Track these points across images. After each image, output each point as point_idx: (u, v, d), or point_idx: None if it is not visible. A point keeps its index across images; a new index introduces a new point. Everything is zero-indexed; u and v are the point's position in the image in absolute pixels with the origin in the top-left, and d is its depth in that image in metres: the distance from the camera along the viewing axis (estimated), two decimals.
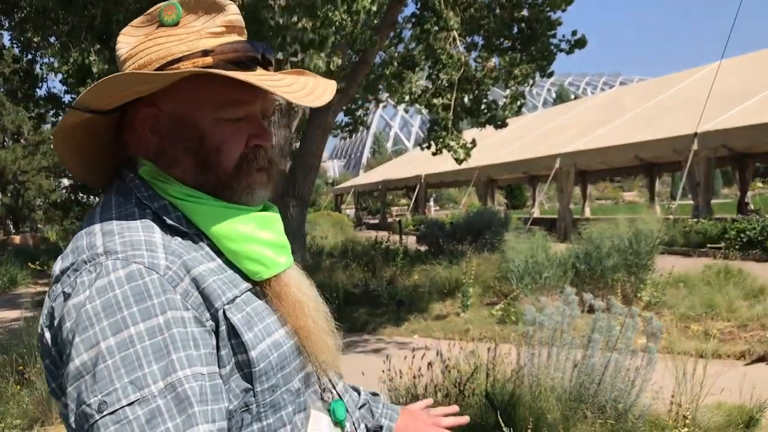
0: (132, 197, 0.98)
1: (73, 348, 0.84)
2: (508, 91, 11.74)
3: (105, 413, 0.80)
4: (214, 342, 0.90)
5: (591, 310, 4.77)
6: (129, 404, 0.80)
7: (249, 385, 0.92)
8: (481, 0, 10.80)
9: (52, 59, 14.87)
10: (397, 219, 24.92)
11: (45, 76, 16.95)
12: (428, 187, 32.45)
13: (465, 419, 1.36)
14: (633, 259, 8.48)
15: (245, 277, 0.98)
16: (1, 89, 29.17)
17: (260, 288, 1.00)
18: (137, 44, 1.00)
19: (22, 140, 32.70)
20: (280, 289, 1.00)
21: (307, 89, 1.02)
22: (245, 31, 1.05)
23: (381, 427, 1.27)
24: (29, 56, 16.97)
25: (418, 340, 7.20)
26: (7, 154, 30.98)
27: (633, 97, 25.33)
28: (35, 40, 13.77)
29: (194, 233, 0.98)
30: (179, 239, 0.96)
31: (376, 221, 33.95)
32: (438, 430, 1.30)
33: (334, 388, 1.09)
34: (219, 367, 0.90)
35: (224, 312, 0.91)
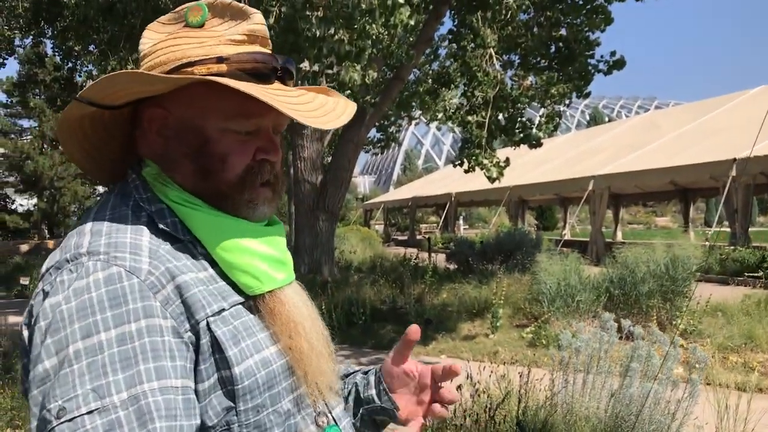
0: (130, 198, 0.96)
1: (42, 349, 0.81)
2: (543, 111, 11.61)
3: (63, 420, 0.76)
4: (192, 355, 0.86)
5: (627, 337, 4.60)
6: (88, 413, 0.76)
7: (232, 404, 0.87)
8: (519, 18, 10.71)
9: (91, 67, 15.14)
10: (426, 236, 24.78)
11: (84, 83, 17.27)
12: (458, 205, 32.27)
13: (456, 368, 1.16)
14: (669, 285, 8.25)
15: (239, 290, 0.94)
16: (42, 96, 29.85)
17: (254, 303, 0.95)
18: (159, 41, 0.98)
19: (60, 147, 33.29)
20: (274, 305, 0.96)
21: (322, 110, 0.99)
22: (269, 42, 1.02)
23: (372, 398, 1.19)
24: (70, 64, 17.31)
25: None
26: (45, 160, 31.58)
27: (669, 121, 24.97)
28: (76, 48, 14.02)
29: (189, 240, 0.94)
30: (170, 245, 0.92)
31: (405, 238, 33.84)
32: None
33: (330, 412, 1.01)
34: (197, 382, 0.85)
35: (208, 324, 0.87)
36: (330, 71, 6.33)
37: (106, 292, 0.83)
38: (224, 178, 0.96)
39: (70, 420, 0.76)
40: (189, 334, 0.86)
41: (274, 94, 0.93)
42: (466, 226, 42.93)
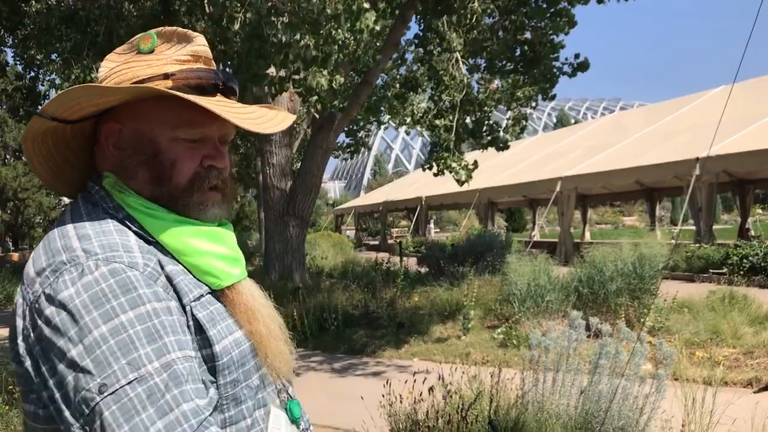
0: (99, 208, 1.05)
1: (64, 341, 0.88)
2: (509, 113, 11.72)
3: (106, 394, 0.85)
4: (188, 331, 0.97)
5: (596, 334, 4.66)
6: (128, 383, 0.85)
7: (212, 378, 0.98)
8: (484, 22, 10.81)
9: (54, 76, 14.89)
10: (398, 240, 24.82)
11: (47, 93, 16.96)
12: (429, 209, 32.38)
13: None
14: (637, 283, 8.37)
15: (203, 283, 1.05)
16: (4, 106, 29.31)
17: (218, 293, 1.06)
18: (114, 68, 1.08)
19: (23, 157, 32.70)
20: (233, 297, 1.06)
21: (263, 118, 1.10)
22: (212, 61, 1.13)
23: None
24: (32, 73, 16.99)
25: (419, 363, 7.08)
26: (8, 171, 30.96)
27: (634, 122, 25.36)
28: (38, 57, 13.78)
29: (155, 242, 1.04)
30: (149, 245, 1.02)
31: (377, 242, 33.85)
32: None
33: (288, 390, 1.15)
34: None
35: (191, 308, 0.99)
36: (297, 77, 6.32)
37: (115, 282, 0.92)
38: (175, 183, 1.06)
39: (112, 393, 0.85)
40: (183, 315, 0.97)
41: (216, 104, 1.03)
42: (437, 230, 43.10)
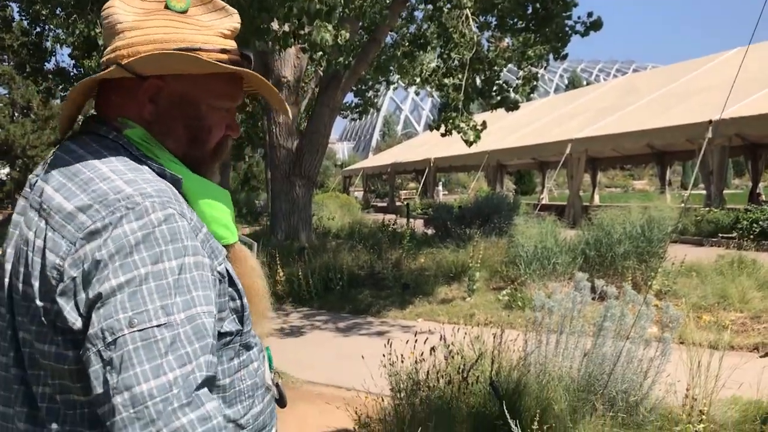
0: (124, 153, 1.06)
1: (110, 271, 0.92)
2: (520, 73, 11.51)
3: (135, 329, 0.89)
4: (218, 290, 1.03)
5: (602, 297, 4.60)
6: (158, 326, 0.90)
7: (240, 327, 1.07)
8: None
9: (59, 31, 14.72)
10: (406, 202, 24.76)
11: (53, 49, 16.79)
12: (437, 171, 32.20)
13: None
14: (645, 246, 8.28)
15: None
16: (11, 63, 29.13)
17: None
18: (142, 19, 1.08)
19: (31, 114, 32.62)
20: (238, 255, 1.15)
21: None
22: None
23: None
24: (38, 29, 16.81)
25: (423, 324, 7.06)
26: (16, 129, 30.94)
27: (647, 84, 24.96)
28: (43, 12, 13.60)
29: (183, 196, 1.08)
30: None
31: (384, 204, 33.79)
32: None
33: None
34: (219, 310, 1.02)
35: (225, 263, 1.07)
36: (301, 32, 6.17)
37: (167, 228, 0.96)
38: (207, 147, 1.15)
39: (141, 330, 0.89)
40: (216, 271, 1.03)
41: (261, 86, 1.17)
42: (445, 192, 42.96)
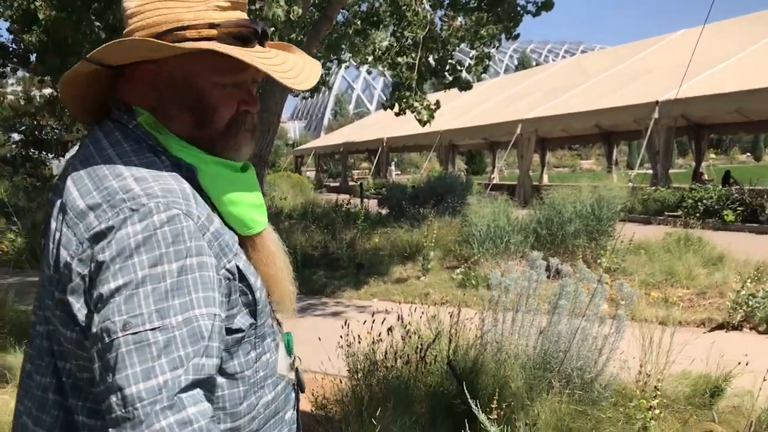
0: (143, 144, 1.07)
1: (110, 274, 0.93)
2: (472, 53, 11.48)
3: (129, 332, 0.90)
4: (225, 289, 1.02)
5: (554, 276, 4.64)
6: (152, 329, 0.91)
7: (253, 321, 1.08)
8: None
9: None
10: (359, 182, 24.69)
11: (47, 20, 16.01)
12: (390, 150, 32.20)
13: None
14: (594, 225, 8.44)
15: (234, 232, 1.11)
16: None
17: (241, 240, 1.11)
18: (145, 2, 1.07)
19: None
20: (259, 242, 1.14)
21: (296, 70, 1.14)
22: (246, 6, 1.14)
23: None
24: None
25: (378, 304, 7.05)
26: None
27: (594, 65, 25.34)
28: None
29: (197, 187, 1.07)
30: (196, 194, 1.05)
31: (337, 184, 33.66)
32: None
33: (281, 324, 1.24)
34: (230, 308, 1.04)
35: (235, 261, 1.05)
36: (252, 7, 6.02)
37: (170, 230, 0.96)
38: (215, 127, 1.11)
39: (134, 333, 0.90)
40: (224, 270, 1.02)
41: (257, 56, 1.07)
42: (398, 172, 42.99)
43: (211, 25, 1.06)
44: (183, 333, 0.92)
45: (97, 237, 0.97)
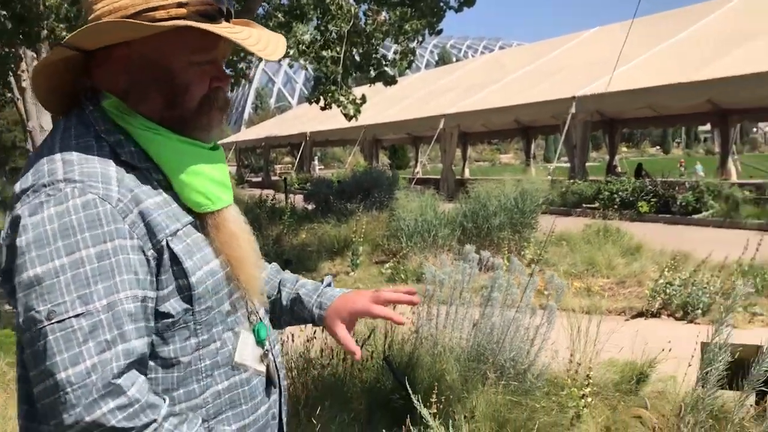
0: (91, 130, 1.07)
1: (27, 260, 0.95)
2: (396, 47, 11.52)
3: (53, 321, 0.92)
4: (154, 269, 1.02)
5: (486, 268, 4.71)
6: (75, 316, 0.92)
7: (189, 306, 1.05)
8: None
9: None
10: (282, 177, 24.41)
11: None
12: (314, 145, 32.01)
13: (415, 300, 1.41)
14: (518, 218, 8.62)
15: (188, 211, 1.09)
16: None
17: (201, 221, 1.11)
18: None
19: None
20: (220, 221, 1.12)
21: (263, 42, 1.15)
22: None
23: (313, 317, 1.40)
24: None
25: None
26: None
27: (513, 61, 25.89)
28: None
29: (146, 168, 1.07)
30: (131, 174, 1.05)
31: (259, 179, 33.20)
32: (373, 306, 1.35)
33: (257, 312, 1.20)
34: (159, 289, 1.03)
35: (167, 242, 1.03)
36: None
37: (85, 216, 0.97)
38: (187, 106, 1.11)
39: (59, 321, 0.92)
40: (152, 251, 1.02)
41: (227, 32, 1.08)
42: (322, 166, 42.80)
43: (179, 4, 1.06)
44: (108, 317, 0.93)
45: (15, 221, 0.98)
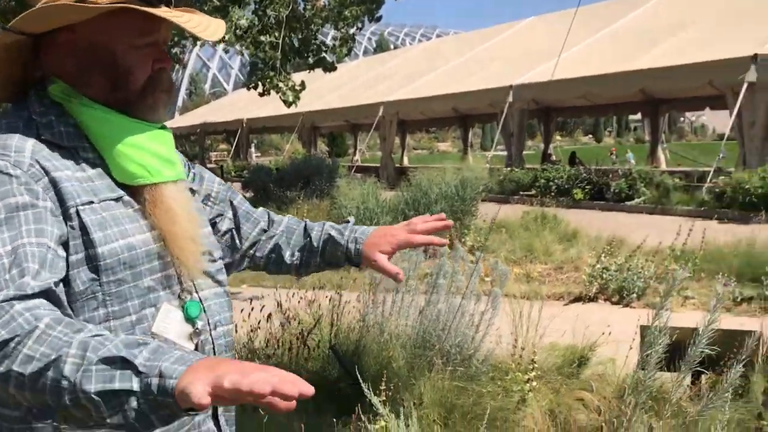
0: (25, 113, 1.13)
1: None
2: (333, 33, 11.42)
3: None
4: (65, 233, 1.05)
5: (430, 256, 4.73)
6: None
7: (95, 276, 1.06)
8: None
9: None
10: (219, 165, 23.99)
11: None
12: (250, 132, 31.53)
13: (449, 223, 1.52)
14: (459, 205, 8.70)
15: (120, 187, 1.12)
16: None
17: (137, 195, 1.14)
18: None
19: None
20: (157, 196, 1.14)
21: (203, 25, 1.17)
22: None
23: (350, 251, 1.45)
24: None
25: (248, 290, 6.88)
26: None
27: (451, 50, 26.10)
28: None
29: (73, 147, 1.12)
30: (52, 151, 1.09)
31: None
32: (413, 236, 1.44)
33: (197, 291, 1.19)
34: (68, 254, 1.05)
35: (77, 211, 1.06)
36: None
37: None
38: (132, 88, 1.15)
39: None
40: (61, 216, 1.05)
41: (168, 14, 1.10)
42: (259, 154, 42.23)
43: None
44: (10, 260, 0.96)
45: None
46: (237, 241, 1.47)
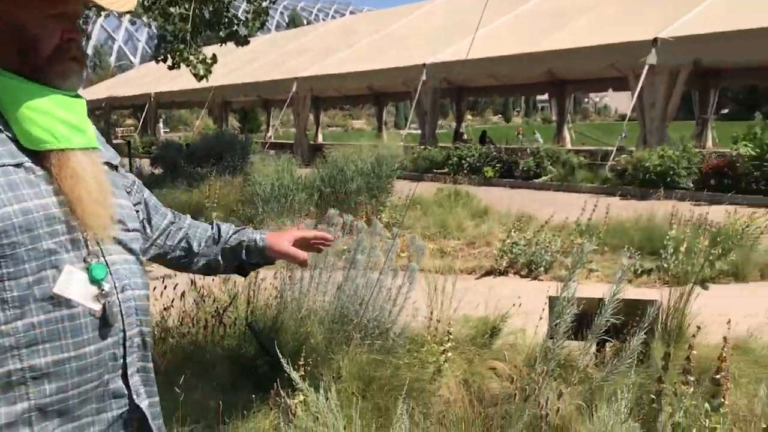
0: None
1: None
2: (245, 6, 11.18)
3: None
4: None
5: (346, 232, 4.73)
6: None
7: None
8: None
9: None
10: (126, 140, 23.13)
11: None
12: (158, 107, 30.50)
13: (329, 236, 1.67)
14: (375, 182, 8.75)
15: (22, 152, 1.14)
16: None
17: (42, 161, 1.15)
18: None
19: None
20: (63, 161, 1.16)
21: None
22: None
23: (255, 240, 1.58)
24: None
25: (159, 270, 6.70)
26: None
27: (365, 27, 26.00)
28: None
29: None
30: None
31: None
32: (300, 232, 1.63)
33: (104, 256, 1.20)
34: None
35: None
36: None
37: None
38: (40, 55, 1.17)
39: None
40: None
41: None
42: (167, 129, 40.94)
43: None
44: None
45: None
46: (148, 230, 1.52)
